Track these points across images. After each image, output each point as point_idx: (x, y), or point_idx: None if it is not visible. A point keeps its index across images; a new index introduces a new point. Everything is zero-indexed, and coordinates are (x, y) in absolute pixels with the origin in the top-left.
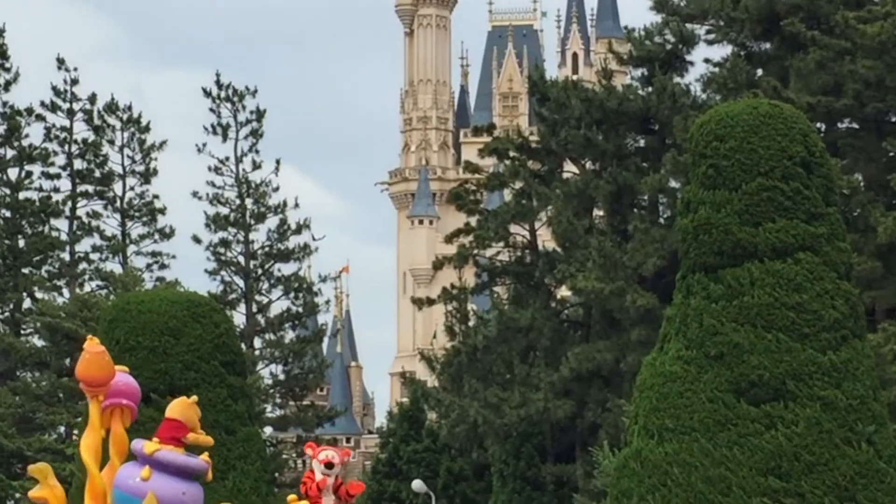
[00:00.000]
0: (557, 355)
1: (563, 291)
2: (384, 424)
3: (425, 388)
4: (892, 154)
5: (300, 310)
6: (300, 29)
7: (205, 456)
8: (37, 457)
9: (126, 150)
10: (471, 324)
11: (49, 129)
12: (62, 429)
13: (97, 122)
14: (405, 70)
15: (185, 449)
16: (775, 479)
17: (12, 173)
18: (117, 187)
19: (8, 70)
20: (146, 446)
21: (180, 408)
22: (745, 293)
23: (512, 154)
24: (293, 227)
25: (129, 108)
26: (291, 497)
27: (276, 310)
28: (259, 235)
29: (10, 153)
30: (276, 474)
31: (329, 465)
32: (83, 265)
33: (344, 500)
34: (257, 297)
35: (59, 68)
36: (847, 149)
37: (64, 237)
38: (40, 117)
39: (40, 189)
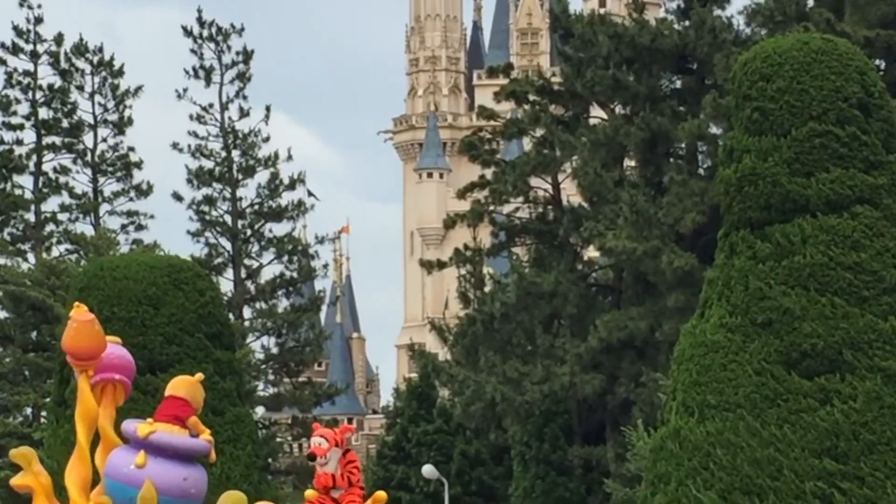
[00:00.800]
0: (585, 324)
1: (591, 252)
2: (390, 403)
3: (436, 361)
4: None
5: (295, 275)
6: None
7: (206, 434)
8: (0, 442)
9: (97, 97)
10: (487, 289)
11: (10, 74)
12: (29, 410)
13: (64, 65)
14: (411, 4)
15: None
16: (831, 461)
17: None
18: (87, 139)
19: None
20: (140, 428)
21: (186, 386)
22: (796, 252)
23: (532, 98)
24: (286, 182)
25: (100, 49)
26: (309, 493)
27: (267, 275)
28: (248, 192)
29: None
30: (269, 460)
31: (311, 457)
32: (50, 227)
33: (352, 483)
34: (246, 261)
35: (21, 5)
36: None
37: (28, 195)
38: (0, 61)
39: (1, 141)
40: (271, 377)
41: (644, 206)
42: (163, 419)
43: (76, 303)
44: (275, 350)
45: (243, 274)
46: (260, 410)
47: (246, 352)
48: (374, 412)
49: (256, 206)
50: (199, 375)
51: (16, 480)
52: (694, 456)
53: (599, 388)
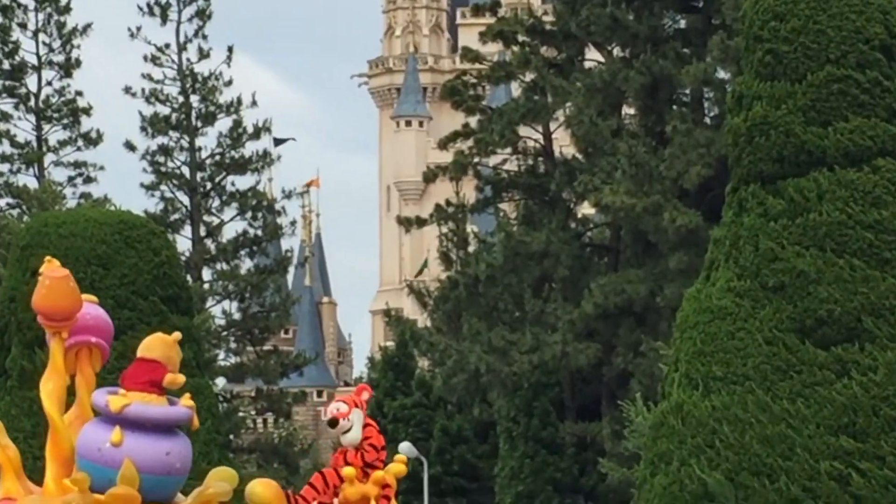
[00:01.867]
0: (578, 288)
1: (586, 209)
2: (364, 375)
3: (415, 328)
4: None
5: (259, 233)
6: None
7: (187, 399)
8: None
9: (41, 36)
10: (471, 249)
11: None
12: None
13: (5, 1)
14: None
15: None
16: (848, 439)
17: None
18: (31, 82)
19: None
20: (112, 402)
21: (160, 346)
22: (812, 209)
23: (521, 38)
24: (250, 130)
25: None
26: (348, 470)
27: (229, 233)
28: (208, 141)
29: None
30: (231, 436)
31: (331, 424)
32: None
33: (371, 460)
34: (206, 218)
35: None
36: None
37: None
38: None
39: None
40: (233, 345)
41: (644, 158)
42: (135, 387)
43: (48, 258)
44: (237, 315)
45: (202, 232)
46: (221, 382)
47: (205, 317)
48: (347, 384)
49: (217, 157)
50: (177, 335)
51: None
52: (698, 433)
53: (594, 358)
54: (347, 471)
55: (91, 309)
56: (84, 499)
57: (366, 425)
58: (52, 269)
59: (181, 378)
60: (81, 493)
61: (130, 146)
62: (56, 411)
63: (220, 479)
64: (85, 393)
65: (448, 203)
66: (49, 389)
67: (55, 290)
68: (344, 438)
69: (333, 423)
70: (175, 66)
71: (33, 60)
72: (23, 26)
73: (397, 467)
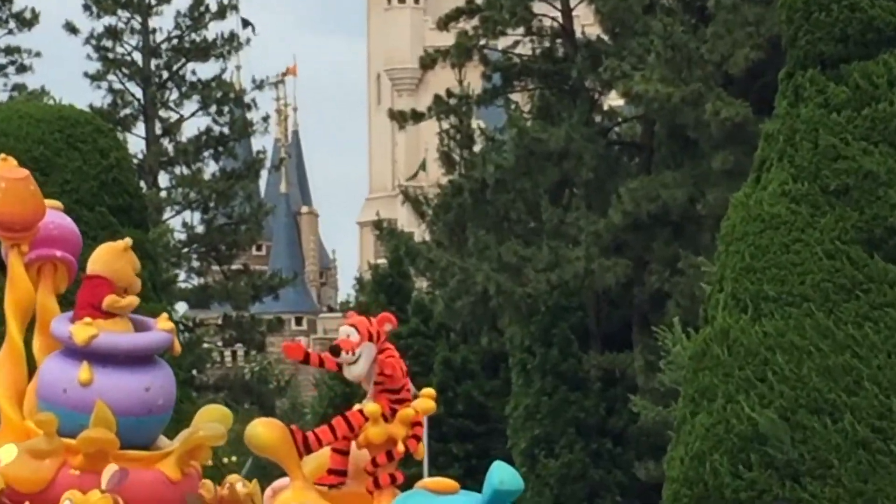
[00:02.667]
0: (604, 193)
1: (613, 100)
2: (351, 298)
3: (411, 243)
4: None
5: (226, 130)
6: None
7: (164, 320)
8: None
9: None
10: (477, 148)
11: None
12: None
13: None
14: None
15: (126, 317)
16: None
17: None
18: None
19: None
20: (76, 332)
21: (102, 258)
22: (881, 98)
23: None
24: (213, 8)
25: None
26: (372, 407)
27: (190, 131)
28: (164, 21)
29: None
30: (195, 371)
31: (334, 351)
32: None
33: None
34: (162, 113)
35: None
36: None
37: None
38: None
39: None
40: (196, 264)
41: (682, 39)
42: (88, 312)
43: (2, 155)
44: (200, 229)
45: (158, 129)
46: (181, 307)
47: (163, 231)
48: (331, 309)
49: (175, 41)
50: (126, 240)
51: None
52: (747, 364)
53: (624, 276)
54: (372, 407)
55: (56, 217)
56: (51, 443)
57: (382, 350)
58: (8, 170)
59: (130, 300)
60: (48, 436)
61: (72, 28)
62: (17, 331)
63: (212, 419)
64: (47, 319)
65: (449, 94)
66: (9, 309)
67: (13, 193)
68: (346, 371)
69: (336, 350)
70: None
71: None
72: None
73: (426, 403)
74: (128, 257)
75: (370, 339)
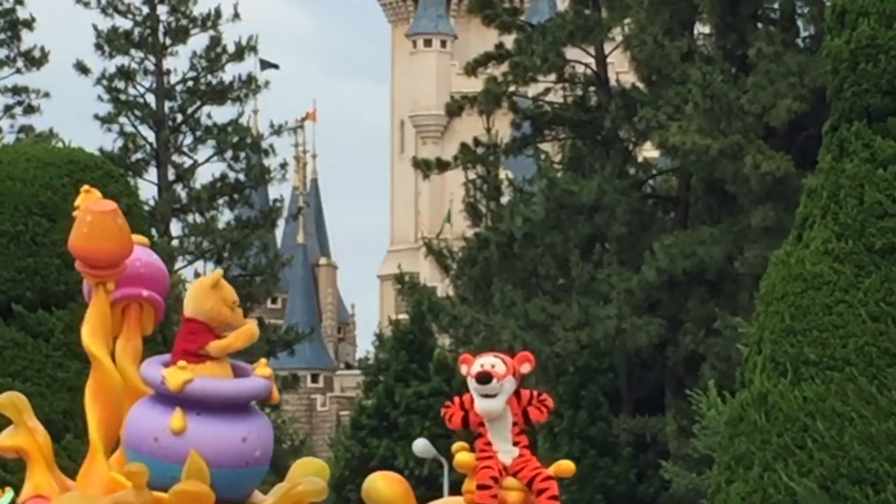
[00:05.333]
0: (638, 249)
1: (648, 151)
2: (370, 355)
3: (434, 298)
4: None
5: (241, 177)
6: None
7: (262, 367)
8: None
9: None
10: (504, 200)
11: None
12: None
13: None
14: None
15: (226, 361)
16: None
17: None
18: None
19: None
20: (170, 376)
21: (194, 297)
22: None
23: None
24: (231, 49)
25: None
26: (458, 445)
27: (204, 177)
28: (179, 62)
29: None
30: None
31: (484, 380)
32: None
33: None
34: (176, 158)
35: None
36: None
37: None
38: None
39: None
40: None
41: (721, 89)
42: (183, 356)
43: (85, 187)
44: None
45: (171, 175)
46: None
47: (174, 281)
48: (348, 367)
49: (190, 83)
50: (216, 274)
51: (2, 440)
52: (785, 430)
53: (657, 336)
54: (457, 446)
55: (143, 254)
56: (142, 496)
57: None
58: (94, 202)
59: (235, 342)
60: (137, 489)
61: (83, 68)
62: (103, 352)
63: (309, 472)
64: (129, 362)
65: (476, 142)
66: (102, 340)
67: (99, 228)
68: (482, 403)
69: (487, 378)
70: None
71: None
72: None
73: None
74: (219, 294)
75: (513, 376)
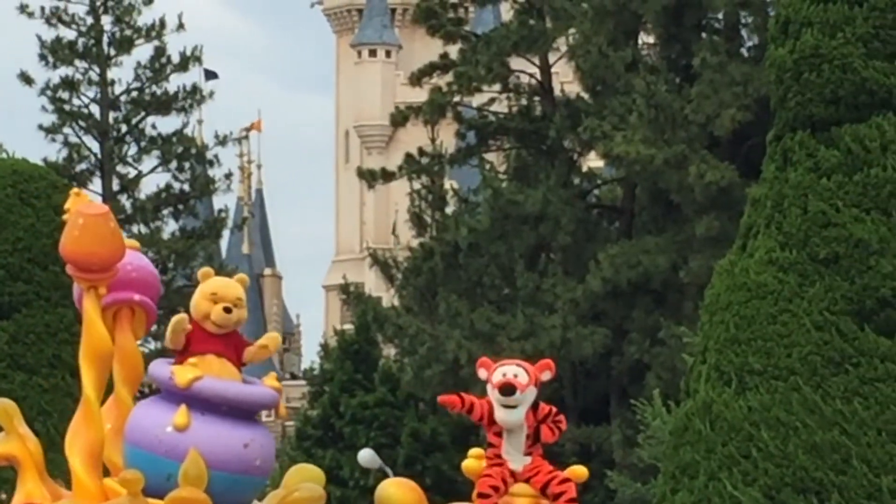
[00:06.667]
0: (583, 259)
1: (592, 161)
2: (315, 365)
3: (379, 308)
4: None
5: (186, 188)
6: None
7: (271, 379)
8: None
9: None
10: (449, 210)
11: None
12: None
13: None
14: None
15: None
16: None
17: None
18: None
19: None
20: (178, 372)
21: (198, 294)
22: (874, 163)
23: None
24: (175, 60)
25: None
26: (475, 451)
27: (148, 187)
28: (123, 73)
29: None
30: None
31: (507, 391)
32: None
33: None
34: (120, 169)
35: None
36: None
37: None
38: None
39: None
40: (154, 327)
41: (666, 98)
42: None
43: (75, 190)
44: None
45: (116, 185)
46: None
47: None
48: (293, 377)
49: (135, 93)
50: (241, 276)
51: None
52: (730, 440)
53: (602, 346)
54: (473, 451)
55: (134, 258)
56: (136, 503)
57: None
58: (85, 205)
59: (263, 351)
60: (132, 496)
61: (27, 79)
62: (94, 386)
63: (304, 479)
64: (123, 368)
65: (421, 152)
66: (84, 360)
67: (91, 231)
68: (503, 414)
69: (511, 390)
70: None
71: None
72: None
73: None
74: (202, 288)
75: (535, 385)
